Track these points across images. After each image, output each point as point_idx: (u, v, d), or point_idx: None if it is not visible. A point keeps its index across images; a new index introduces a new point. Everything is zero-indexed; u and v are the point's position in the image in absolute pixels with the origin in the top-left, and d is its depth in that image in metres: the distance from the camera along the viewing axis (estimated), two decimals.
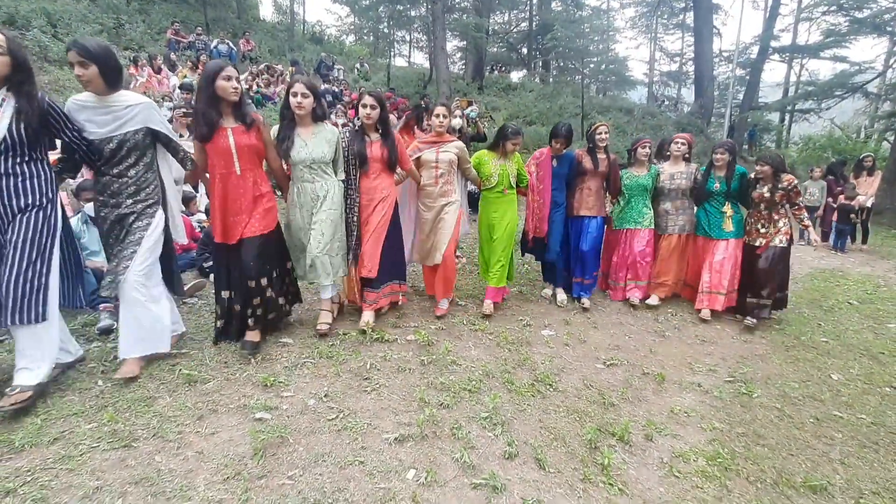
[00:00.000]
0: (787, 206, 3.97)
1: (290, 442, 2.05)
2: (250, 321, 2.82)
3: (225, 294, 2.88)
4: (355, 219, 3.23)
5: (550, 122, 14.45)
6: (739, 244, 4.08)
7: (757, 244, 4.00)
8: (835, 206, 8.04)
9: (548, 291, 4.40)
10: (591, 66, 19.38)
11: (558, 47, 18.41)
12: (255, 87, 10.89)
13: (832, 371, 3.23)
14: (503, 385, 2.70)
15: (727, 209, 4.12)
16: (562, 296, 4.22)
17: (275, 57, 15.19)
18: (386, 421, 2.26)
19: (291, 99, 2.90)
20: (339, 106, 10.79)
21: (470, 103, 9.19)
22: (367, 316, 3.29)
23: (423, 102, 11.22)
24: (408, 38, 25.59)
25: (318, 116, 3.03)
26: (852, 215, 7.76)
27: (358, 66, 17.28)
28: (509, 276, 4.01)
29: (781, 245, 3.92)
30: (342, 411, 2.31)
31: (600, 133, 4.12)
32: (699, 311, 4.08)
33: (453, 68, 21.13)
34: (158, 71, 9.75)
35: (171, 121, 6.02)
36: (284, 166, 3.10)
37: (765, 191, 3.91)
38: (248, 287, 2.77)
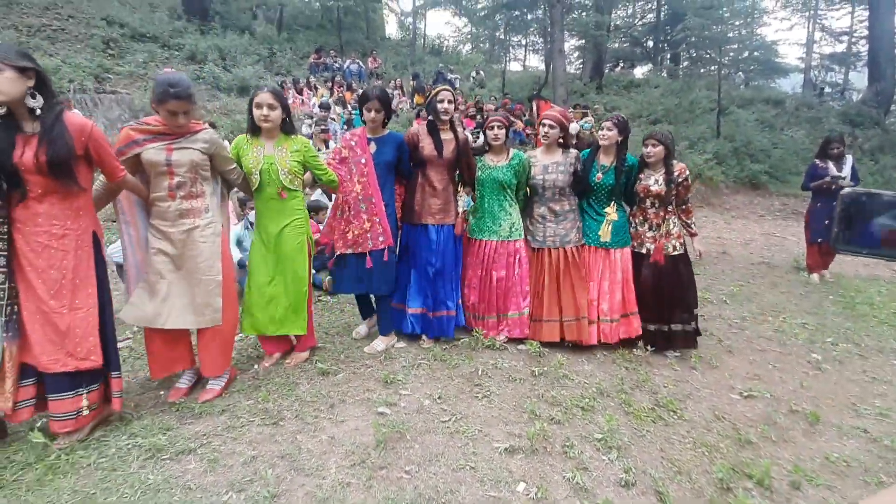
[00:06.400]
0: (675, 204, 3.16)
1: (408, 438, 2.20)
2: None
3: None
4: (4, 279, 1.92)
5: (678, 119, 13.24)
6: (627, 254, 3.19)
7: (644, 252, 3.16)
8: None
9: (361, 330, 3.31)
10: (731, 54, 17.32)
11: (690, 37, 16.76)
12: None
13: None
14: (619, 406, 2.57)
15: (611, 211, 3.14)
16: (363, 330, 3.30)
17: (398, 71, 16.28)
18: (496, 429, 2.31)
19: None
20: (455, 115, 11.15)
21: (585, 114, 8.66)
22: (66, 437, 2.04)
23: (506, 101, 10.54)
24: (523, 41, 25.46)
25: None
26: None
27: (474, 73, 17.68)
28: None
29: (678, 252, 3.12)
30: (454, 415, 2.40)
31: (441, 101, 2.91)
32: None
33: (570, 68, 20.48)
34: (301, 92, 11.11)
35: (310, 137, 6.81)
36: None
37: (652, 182, 3.06)
38: None
